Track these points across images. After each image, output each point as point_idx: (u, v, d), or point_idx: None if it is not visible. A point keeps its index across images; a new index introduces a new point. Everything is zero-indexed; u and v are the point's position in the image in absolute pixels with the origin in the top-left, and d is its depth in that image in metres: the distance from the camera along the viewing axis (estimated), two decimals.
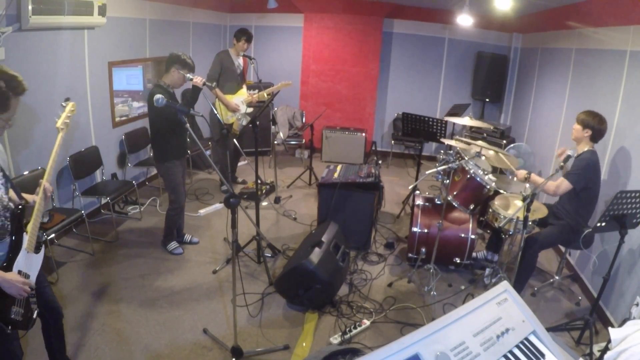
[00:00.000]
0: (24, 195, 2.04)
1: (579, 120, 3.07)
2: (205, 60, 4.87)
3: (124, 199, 4.68)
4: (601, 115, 3.02)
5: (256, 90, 5.13)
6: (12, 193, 1.98)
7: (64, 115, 2.13)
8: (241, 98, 4.88)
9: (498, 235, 3.62)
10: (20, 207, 1.90)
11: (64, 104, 2.18)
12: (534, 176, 3.16)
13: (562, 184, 3.03)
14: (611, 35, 3.59)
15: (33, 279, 1.93)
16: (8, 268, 1.81)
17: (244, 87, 5.03)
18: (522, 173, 3.21)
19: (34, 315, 1.96)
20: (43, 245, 2.02)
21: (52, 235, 3.50)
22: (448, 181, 3.30)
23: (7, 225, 1.86)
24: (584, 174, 2.98)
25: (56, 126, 2.08)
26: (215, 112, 4.30)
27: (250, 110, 4.94)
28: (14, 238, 1.86)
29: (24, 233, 1.90)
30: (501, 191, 3.69)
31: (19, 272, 1.85)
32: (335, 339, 2.84)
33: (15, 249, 1.86)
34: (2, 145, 2.00)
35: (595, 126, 3.00)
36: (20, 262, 1.86)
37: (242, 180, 5.54)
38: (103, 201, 4.37)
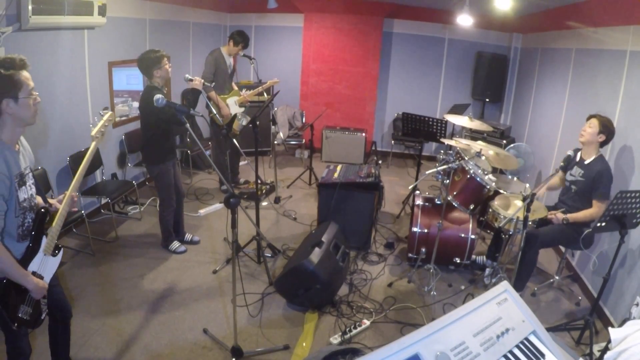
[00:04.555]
0: (49, 200, 2.05)
1: (598, 124, 2.99)
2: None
3: (124, 199, 4.68)
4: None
5: (250, 91, 5.13)
6: (38, 198, 2.00)
7: (101, 124, 2.09)
8: (234, 98, 4.89)
9: (497, 243, 3.58)
10: (43, 209, 1.92)
11: (102, 112, 2.16)
12: (571, 216, 3.10)
13: (601, 208, 2.94)
14: (611, 35, 3.59)
15: (47, 280, 1.95)
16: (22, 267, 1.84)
17: (234, 86, 5.04)
18: (560, 216, 3.14)
19: (42, 316, 1.99)
20: (61, 249, 2.04)
21: None
22: (448, 181, 3.30)
23: (31, 226, 1.90)
24: (610, 183, 2.99)
25: (91, 134, 2.04)
26: (215, 113, 4.30)
27: (242, 109, 4.94)
28: (33, 239, 1.89)
29: (44, 236, 1.92)
30: (501, 191, 3.69)
31: (33, 273, 1.88)
32: (335, 339, 2.84)
33: (33, 250, 1.89)
34: (26, 142, 1.95)
35: (611, 134, 2.99)
36: (35, 263, 1.89)
37: (244, 180, 5.52)
38: (103, 201, 4.37)
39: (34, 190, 1.93)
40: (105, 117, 2.11)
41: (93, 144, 2.04)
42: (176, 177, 3.72)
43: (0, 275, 1.77)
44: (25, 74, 1.74)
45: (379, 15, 6.49)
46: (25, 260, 1.86)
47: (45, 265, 1.94)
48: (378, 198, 4.18)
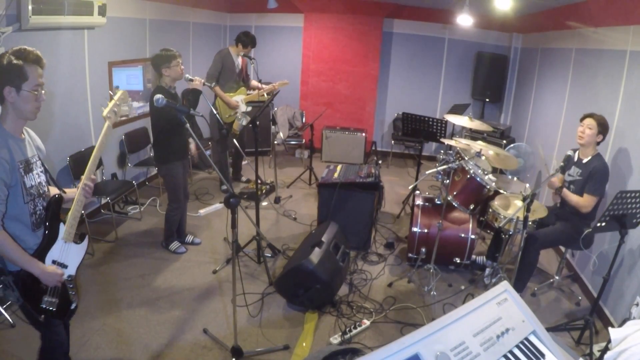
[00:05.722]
0: (67, 190, 2.04)
1: (595, 124, 3.02)
2: (206, 60, 4.88)
3: (124, 199, 4.67)
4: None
5: (255, 91, 5.14)
6: (53, 189, 1.99)
7: (112, 103, 2.01)
8: (241, 96, 4.91)
9: (497, 243, 3.58)
10: (57, 196, 1.90)
11: (111, 92, 2.07)
12: (565, 191, 3.12)
13: (591, 201, 3.00)
14: (611, 35, 3.59)
15: (72, 269, 1.92)
16: (40, 257, 1.81)
17: (243, 87, 5.06)
18: (557, 183, 3.15)
19: (73, 306, 1.97)
20: (86, 237, 2.00)
21: None
22: (448, 181, 3.30)
23: (43, 214, 1.87)
24: (605, 181, 3.01)
25: (102, 115, 1.98)
26: (215, 113, 4.30)
27: (249, 109, 4.96)
28: (49, 227, 1.86)
29: (61, 223, 1.89)
30: (501, 191, 3.69)
31: (54, 262, 1.85)
32: (335, 339, 2.84)
33: (50, 238, 1.85)
34: (33, 132, 1.93)
35: (607, 131, 3.03)
36: (55, 252, 1.86)
37: (247, 179, 5.54)
38: (103, 201, 4.37)
39: (43, 178, 1.91)
40: (116, 97, 2.04)
41: (106, 125, 1.98)
42: (184, 178, 3.73)
43: (10, 266, 1.75)
44: (37, 69, 1.76)
45: (379, 15, 6.49)
46: (43, 249, 1.82)
47: (68, 253, 1.89)
48: (378, 198, 4.18)
